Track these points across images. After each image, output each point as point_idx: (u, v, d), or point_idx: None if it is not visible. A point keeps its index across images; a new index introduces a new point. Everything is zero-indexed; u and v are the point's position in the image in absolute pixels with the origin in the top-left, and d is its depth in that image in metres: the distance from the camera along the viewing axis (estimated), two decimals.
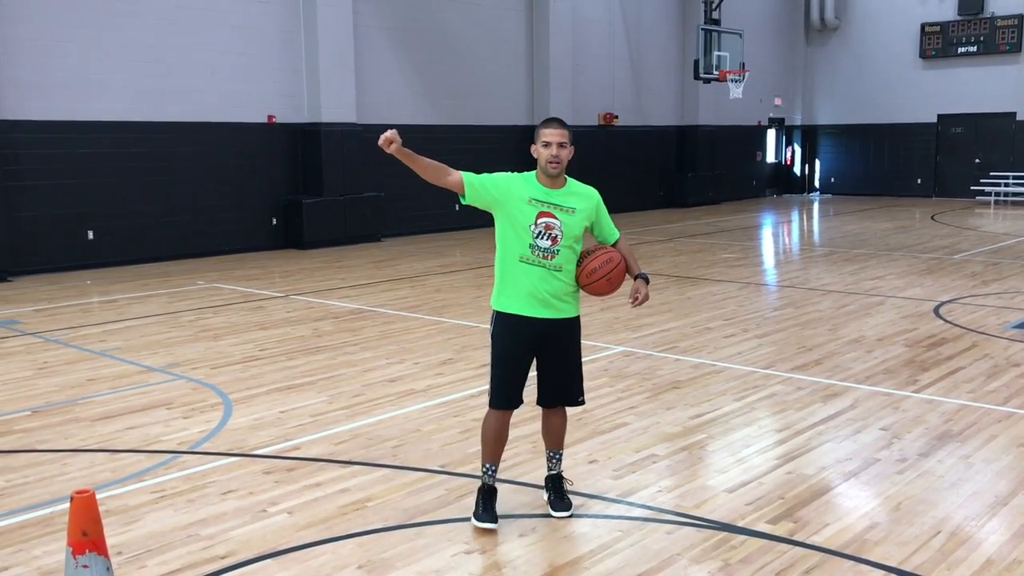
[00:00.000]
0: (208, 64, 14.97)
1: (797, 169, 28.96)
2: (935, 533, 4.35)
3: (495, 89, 19.53)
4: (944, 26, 25.45)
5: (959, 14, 25.21)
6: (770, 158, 28.32)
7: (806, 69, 28.53)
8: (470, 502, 4.65)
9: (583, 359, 4.68)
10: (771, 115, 27.73)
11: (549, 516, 4.58)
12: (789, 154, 28.81)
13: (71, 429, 6.10)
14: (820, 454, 5.48)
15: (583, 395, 4.68)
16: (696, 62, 21.96)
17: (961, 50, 25.26)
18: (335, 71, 16.25)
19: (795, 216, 22.80)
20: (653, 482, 5.04)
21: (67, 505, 4.54)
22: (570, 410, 6.31)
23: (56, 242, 13.47)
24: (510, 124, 19.89)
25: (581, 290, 4.52)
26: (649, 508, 4.68)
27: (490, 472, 4.55)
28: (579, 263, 4.46)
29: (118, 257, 14.06)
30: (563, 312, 4.45)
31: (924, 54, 25.92)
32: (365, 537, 4.38)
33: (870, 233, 17.76)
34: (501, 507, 4.56)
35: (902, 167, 26.96)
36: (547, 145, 4.39)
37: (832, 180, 28.52)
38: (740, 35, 22.75)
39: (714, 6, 22.80)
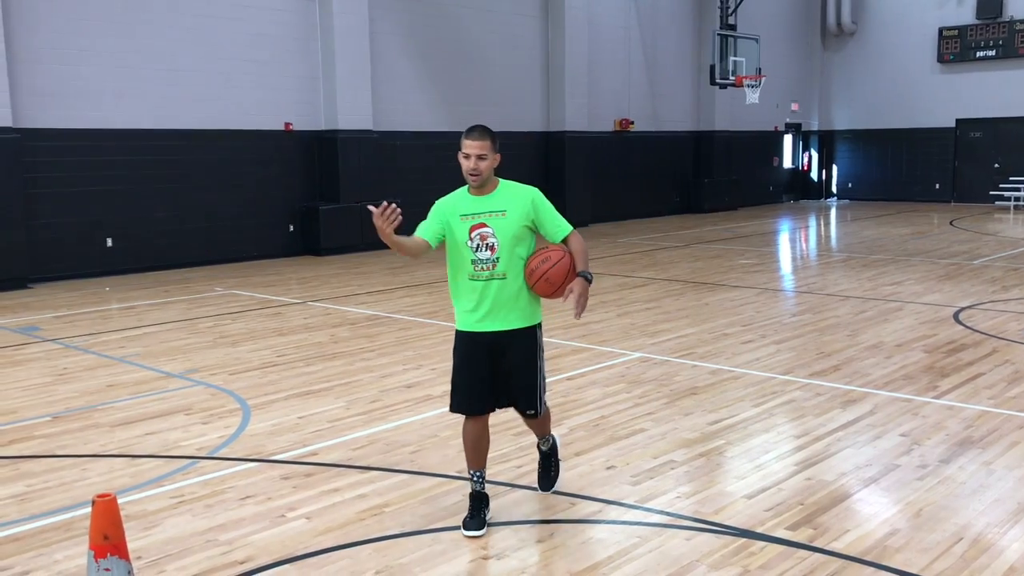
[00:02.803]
0: (225, 72, 15.05)
1: (814, 174, 28.84)
2: (957, 540, 4.31)
3: (511, 96, 19.56)
4: (962, 30, 25.31)
5: (977, 18, 25.07)
6: (787, 163, 28.23)
7: (823, 74, 28.42)
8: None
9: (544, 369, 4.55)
10: (788, 120, 27.64)
11: (566, 522, 4.56)
12: (806, 159, 28.70)
13: (90, 435, 6.14)
14: (839, 460, 5.44)
15: (536, 407, 4.50)
16: (712, 67, 21.94)
17: (980, 54, 25.11)
18: (351, 78, 16.32)
19: (812, 221, 22.70)
20: (671, 488, 5.02)
21: (87, 510, 4.57)
22: (586, 416, 6.36)
23: (75, 249, 13.57)
24: (526, 130, 19.92)
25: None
26: (667, 514, 4.66)
27: (477, 478, 4.53)
28: (524, 265, 4.38)
29: (136, 264, 14.15)
30: (514, 322, 4.37)
31: (942, 58, 25.78)
32: (383, 543, 4.38)
33: (888, 238, 17.65)
34: (518, 513, 4.55)
35: (920, 172, 26.80)
36: (467, 157, 4.29)
37: (849, 185, 28.39)
38: (756, 40, 22.72)
39: (730, 11, 22.77)
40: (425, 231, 4.40)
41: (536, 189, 4.46)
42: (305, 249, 16.17)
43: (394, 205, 4.07)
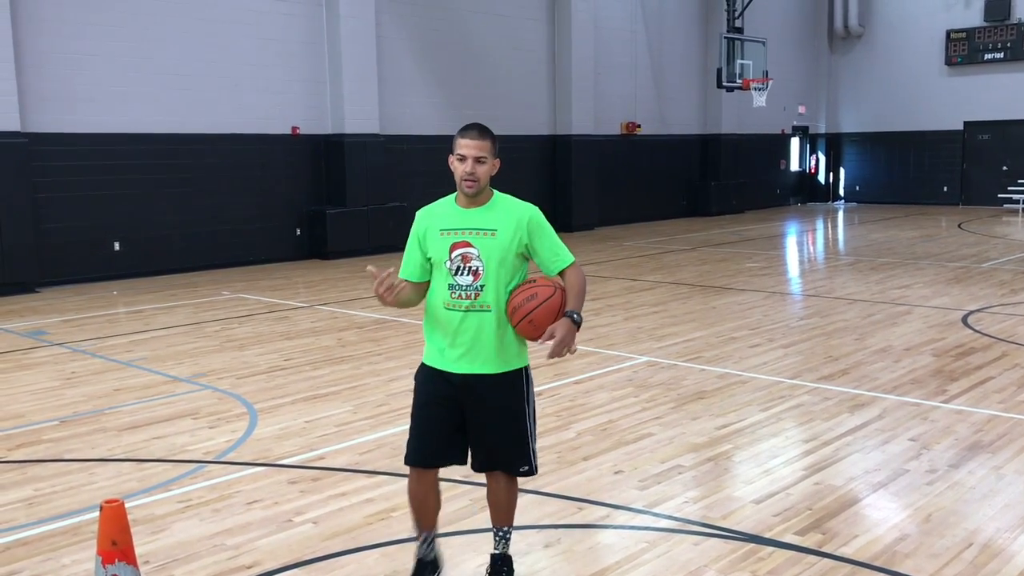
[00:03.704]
0: (232, 76, 15.09)
1: (821, 177, 28.79)
2: (967, 545, 4.28)
3: (517, 99, 19.56)
4: (970, 32, 25.24)
5: (985, 20, 25.00)
6: (794, 166, 28.18)
7: (830, 77, 28.37)
8: None
9: (528, 423, 3.77)
10: (795, 123, 27.60)
11: (573, 526, 4.55)
12: (813, 162, 28.65)
13: (98, 439, 6.15)
14: (848, 465, 5.42)
15: (531, 464, 3.75)
16: (719, 70, 21.92)
17: (988, 56, 25.04)
18: (358, 82, 16.34)
19: (820, 225, 22.65)
20: (679, 493, 5.01)
21: (95, 514, 4.58)
22: (593, 420, 6.33)
23: (82, 253, 13.60)
24: (532, 134, 19.92)
25: None
26: (675, 519, 4.65)
27: (425, 542, 3.85)
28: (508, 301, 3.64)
29: (144, 268, 14.17)
30: (492, 365, 3.64)
31: (950, 61, 25.71)
32: (390, 547, 4.37)
33: (896, 242, 17.60)
34: (526, 518, 4.53)
35: (928, 175, 26.73)
36: (462, 159, 3.60)
37: (857, 188, 28.32)
38: (763, 43, 22.69)
39: (737, 14, 22.75)
40: (405, 267, 3.75)
41: (536, 208, 3.74)
42: (312, 253, 16.18)
43: (390, 271, 3.55)
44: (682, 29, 23.49)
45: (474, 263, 3.60)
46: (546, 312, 3.56)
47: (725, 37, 21.99)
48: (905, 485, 5.07)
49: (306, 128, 16.13)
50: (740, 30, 22.68)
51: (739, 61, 22.11)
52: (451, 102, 18.16)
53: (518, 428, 3.71)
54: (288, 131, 15.92)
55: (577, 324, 3.56)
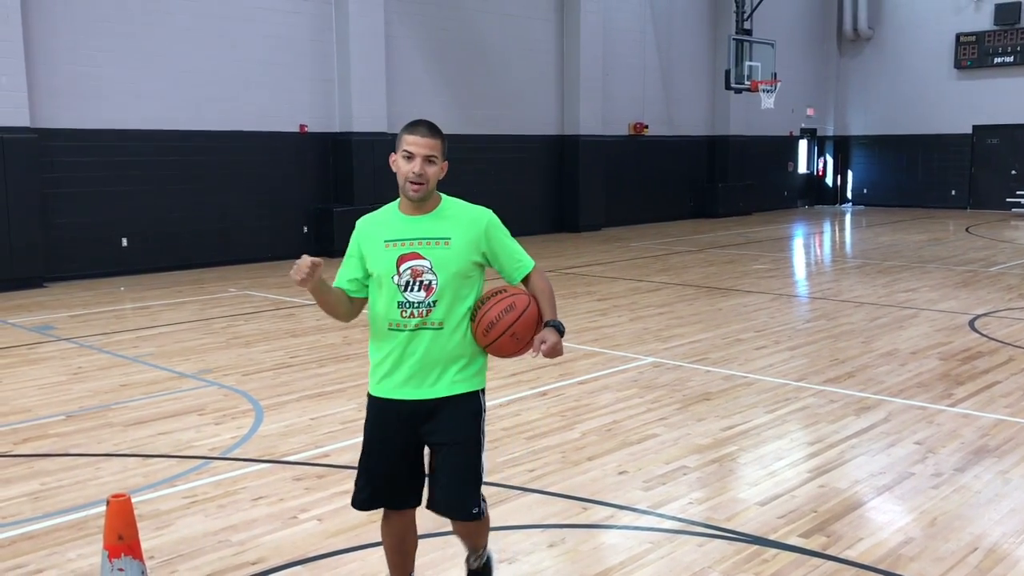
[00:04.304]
0: (241, 74, 15.11)
1: (829, 180, 28.73)
2: (972, 550, 4.27)
3: (525, 99, 19.56)
4: (980, 36, 25.16)
5: (995, 24, 24.92)
6: (802, 169, 28.13)
7: (839, 79, 28.31)
8: (499, 511, 4.64)
9: (483, 456, 3.42)
10: (803, 125, 27.55)
11: (578, 526, 4.55)
12: (821, 165, 28.60)
13: (104, 434, 6.16)
14: (853, 468, 5.41)
15: (480, 505, 3.36)
16: (727, 72, 21.89)
17: (997, 60, 24.96)
18: (366, 81, 16.36)
19: (827, 227, 22.62)
20: (684, 494, 5.00)
21: (100, 509, 4.60)
22: (598, 421, 6.33)
23: (90, 249, 13.64)
24: (540, 134, 19.92)
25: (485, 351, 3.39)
26: (680, 520, 4.65)
27: None
28: (473, 315, 3.30)
29: (151, 264, 14.20)
30: (447, 388, 3.28)
31: (959, 64, 25.63)
32: None
33: (903, 245, 17.56)
34: (530, 517, 4.53)
35: (936, 178, 26.65)
36: (409, 157, 3.23)
37: (864, 191, 28.25)
38: (772, 45, 22.65)
39: (746, 16, 22.71)
40: (342, 275, 3.41)
41: (490, 211, 3.40)
42: (319, 251, 16.15)
43: (319, 263, 3.18)
44: (691, 30, 23.46)
45: (426, 276, 3.23)
46: (527, 323, 3.29)
47: (734, 39, 21.96)
48: (910, 488, 5.06)
49: (314, 126, 16.15)
50: (749, 32, 22.64)
51: (748, 63, 22.07)
52: (459, 101, 18.18)
53: (471, 463, 3.33)
54: (296, 129, 15.95)
55: (561, 334, 3.30)
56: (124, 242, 14.01)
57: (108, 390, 7.31)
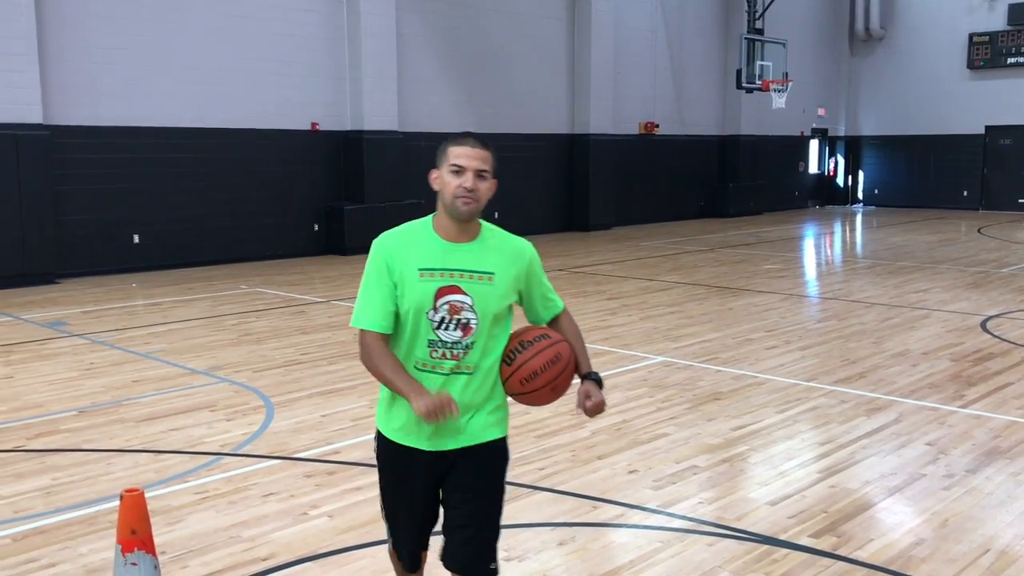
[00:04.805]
0: (253, 72, 15.15)
1: (840, 180, 28.64)
2: (984, 551, 4.26)
3: (536, 98, 19.56)
4: (993, 36, 25.04)
5: (1009, 24, 24.79)
6: (812, 169, 28.05)
7: (850, 79, 28.22)
8: (509, 509, 4.62)
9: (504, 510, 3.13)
10: (814, 125, 27.47)
11: (587, 525, 4.55)
12: (832, 165, 28.51)
13: (116, 430, 6.19)
14: (864, 468, 5.40)
15: (496, 560, 3.00)
16: (739, 71, 21.84)
17: (1011, 60, 24.83)
18: (378, 79, 16.37)
19: (838, 227, 22.55)
20: (694, 493, 5.00)
21: (112, 504, 4.62)
22: (608, 420, 6.33)
23: (102, 245, 13.69)
24: (550, 132, 19.91)
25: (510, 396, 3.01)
26: (690, 519, 4.64)
27: None
28: (510, 359, 2.92)
29: (162, 261, 14.26)
30: (476, 436, 2.93)
31: (972, 64, 25.51)
32: None
33: (915, 245, 17.50)
34: (540, 516, 4.53)
35: (948, 179, 26.53)
36: (458, 171, 2.82)
37: (876, 192, 28.15)
38: (784, 45, 22.60)
39: (758, 15, 22.65)
40: (373, 313, 2.87)
41: (532, 245, 3.03)
42: (330, 248, 16.23)
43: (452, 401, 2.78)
44: (702, 29, 23.42)
45: (465, 315, 2.82)
46: (569, 375, 2.96)
47: (745, 38, 21.91)
48: (921, 490, 5.05)
49: (325, 124, 16.18)
50: (761, 31, 22.58)
51: (759, 62, 22.02)
52: (470, 100, 18.18)
53: (493, 517, 3.01)
54: (307, 127, 15.98)
55: (600, 386, 2.99)
56: (136, 239, 14.06)
57: (120, 386, 7.34)
